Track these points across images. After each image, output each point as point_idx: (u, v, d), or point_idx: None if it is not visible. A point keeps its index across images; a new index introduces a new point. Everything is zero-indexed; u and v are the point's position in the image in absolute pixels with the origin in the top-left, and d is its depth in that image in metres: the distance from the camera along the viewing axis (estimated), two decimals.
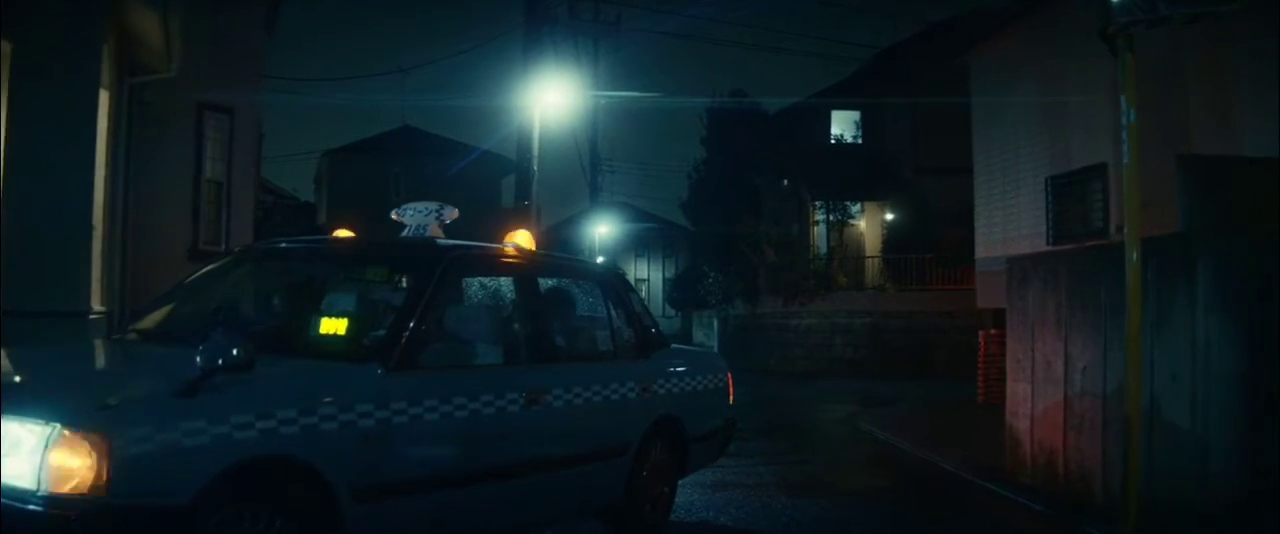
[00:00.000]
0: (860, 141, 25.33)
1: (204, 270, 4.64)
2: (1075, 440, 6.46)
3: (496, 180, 31.54)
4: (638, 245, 38.28)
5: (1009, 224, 13.12)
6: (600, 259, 32.31)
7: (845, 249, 23.59)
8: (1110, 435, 6.08)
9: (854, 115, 25.25)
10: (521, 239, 4.64)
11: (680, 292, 30.98)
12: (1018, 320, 7.35)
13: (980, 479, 7.47)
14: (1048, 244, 11.69)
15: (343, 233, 4.94)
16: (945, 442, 9.27)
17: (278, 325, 4.13)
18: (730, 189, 27.76)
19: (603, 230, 30.10)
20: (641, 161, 66.20)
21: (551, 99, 15.07)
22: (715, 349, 23.58)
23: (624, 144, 58.47)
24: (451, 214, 4.74)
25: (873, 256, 23.29)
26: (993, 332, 12.78)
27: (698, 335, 29.72)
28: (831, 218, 23.82)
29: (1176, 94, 9.46)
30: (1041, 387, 6.92)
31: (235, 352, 3.01)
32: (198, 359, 2.99)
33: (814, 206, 24.23)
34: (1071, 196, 11.44)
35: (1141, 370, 5.34)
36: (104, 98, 8.92)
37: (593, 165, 26.62)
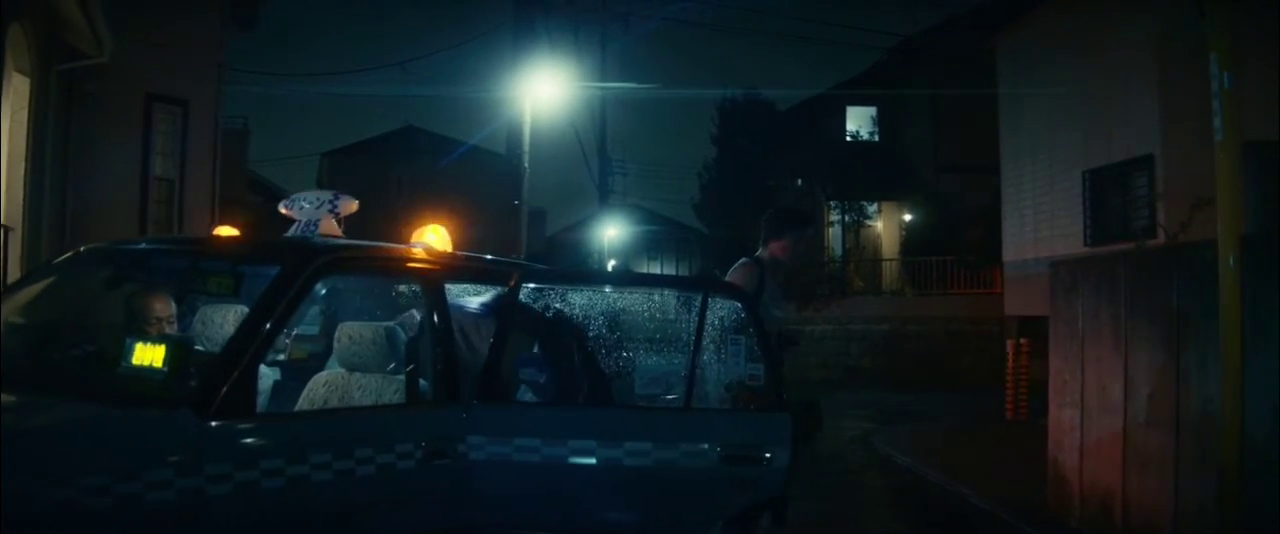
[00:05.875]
0: (877, 138, 24.20)
1: (32, 275, 3.60)
2: (1138, 481, 5.33)
3: (505, 182, 30.53)
4: (649, 248, 37.20)
5: (1041, 223, 11.98)
6: (612, 263, 31.28)
7: (861, 251, 22.47)
8: (1184, 476, 4.96)
9: (870, 111, 24.13)
10: (434, 237, 3.56)
11: None
12: (1063, 334, 6.22)
13: (1020, 521, 6.34)
14: (1085, 244, 10.57)
15: (224, 230, 3.90)
16: (975, 470, 8.13)
17: (69, 356, 3.09)
18: (742, 189, 26.67)
19: (612, 233, 29.07)
20: (653, 162, 65.16)
21: (546, 91, 14.07)
22: None
23: (635, 144, 57.30)
24: (348, 205, 3.69)
25: (890, 259, 22.15)
26: (1022, 341, 11.66)
27: None
28: (847, 219, 22.69)
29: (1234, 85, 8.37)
30: (1094, 414, 5.79)
31: None
32: None
33: (828, 207, 23.10)
34: (1113, 192, 10.31)
35: (1241, 399, 4.22)
36: (23, 84, 7.97)
37: (601, 166, 25.60)
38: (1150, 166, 9.44)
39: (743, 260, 4.39)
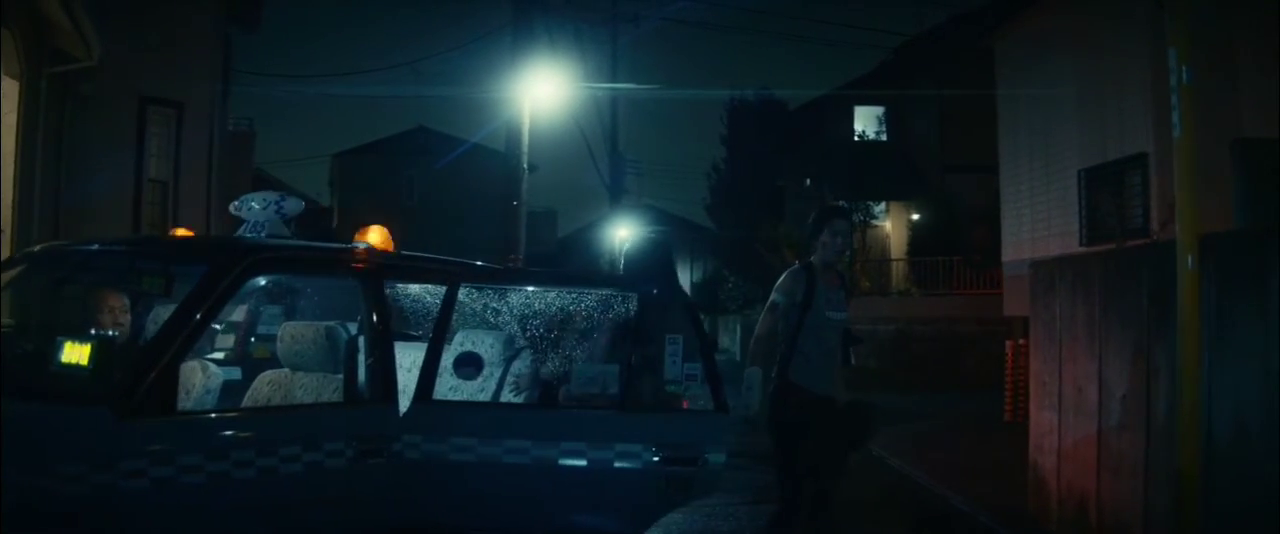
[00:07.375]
0: (884, 138, 24.09)
1: None
2: (1112, 485, 5.26)
3: (511, 182, 30.51)
4: None
5: (1037, 223, 11.87)
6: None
7: (868, 252, 22.34)
8: (1154, 480, 4.89)
9: (877, 110, 24.02)
10: (375, 238, 3.56)
11: (701, 297, 29.90)
12: (1043, 335, 6.17)
13: (998, 525, 6.29)
14: (1080, 244, 10.45)
15: (181, 232, 3.92)
16: (964, 473, 8.08)
17: (13, 353, 3.10)
18: (752, 189, 26.66)
19: (623, 234, 29.03)
20: (663, 162, 65.05)
21: (545, 91, 14.06)
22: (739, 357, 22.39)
23: (644, 144, 57.21)
24: (295, 208, 3.70)
25: (898, 259, 22.02)
26: (1021, 342, 11.54)
27: (723, 341, 28.72)
28: (854, 219, 22.59)
29: (1225, 82, 8.25)
30: (1071, 417, 5.73)
31: None
32: None
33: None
34: (1107, 191, 10.20)
35: (1199, 404, 4.15)
36: (12, 88, 8.06)
37: (613, 166, 25.55)
38: (1144, 165, 9.32)
39: (794, 266, 4.46)
